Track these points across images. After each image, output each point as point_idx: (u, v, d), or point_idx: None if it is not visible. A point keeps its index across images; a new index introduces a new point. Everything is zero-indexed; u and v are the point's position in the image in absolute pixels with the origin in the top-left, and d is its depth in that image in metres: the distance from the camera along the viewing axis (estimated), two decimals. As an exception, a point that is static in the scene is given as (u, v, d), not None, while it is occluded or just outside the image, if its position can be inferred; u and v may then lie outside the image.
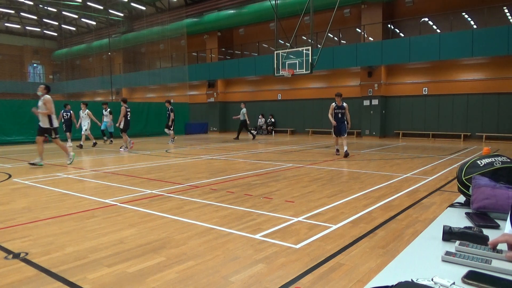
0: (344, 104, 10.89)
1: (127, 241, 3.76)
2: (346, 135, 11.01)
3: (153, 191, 6.21)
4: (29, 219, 4.62)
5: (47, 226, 4.33)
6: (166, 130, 17.50)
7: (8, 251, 3.50)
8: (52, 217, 4.68)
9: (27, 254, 3.43)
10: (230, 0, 25.84)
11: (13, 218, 4.66)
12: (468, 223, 1.49)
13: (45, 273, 3.02)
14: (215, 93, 27.11)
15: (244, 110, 18.83)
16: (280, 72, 16.46)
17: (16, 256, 3.38)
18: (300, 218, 4.54)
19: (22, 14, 35.34)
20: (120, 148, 13.79)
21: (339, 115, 10.86)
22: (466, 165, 1.80)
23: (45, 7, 33.53)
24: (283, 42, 19.58)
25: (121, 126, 13.78)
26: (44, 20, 37.56)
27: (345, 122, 10.91)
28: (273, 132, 24.32)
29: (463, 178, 1.76)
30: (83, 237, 3.91)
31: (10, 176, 8.01)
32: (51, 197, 5.89)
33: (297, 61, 15.98)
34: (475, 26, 18.50)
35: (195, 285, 2.78)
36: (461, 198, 1.86)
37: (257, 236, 3.86)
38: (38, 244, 3.71)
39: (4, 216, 4.75)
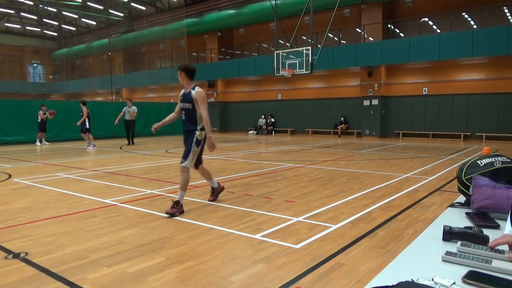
0: (195, 90, 5.00)
1: (127, 241, 3.76)
2: (193, 163, 5.15)
3: (153, 191, 6.21)
4: (29, 219, 4.62)
5: (47, 226, 4.33)
6: None
7: (8, 251, 3.50)
8: (52, 217, 4.68)
9: (27, 254, 3.43)
10: (230, 0, 25.83)
11: (13, 218, 4.66)
12: (468, 223, 1.49)
13: (45, 273, 3.02)
14: (215, 93, 27.11)
15: (134, 108, 16.06)
16: (280, 72, 16.47)
17: (16, 256, 3.38)
18: (300, 218, 4.54)
19: (22, 14, 35.32)
20: (87, 146, 14.54)
21: (183, 115, 5.14)
22: (466, 165, 1.80)
23: (45, 7, 33.53)
24: (283, 42, 19.58)
25: (87, 126, 14.52)
26: (44, 20, 37.56)
27: (197, 129, 5.03)
28: (273, 132, 24.33)
29: (463, 178, 1.76)
30: (83, 237, 3.91)
31: (10, 176, 8.01)
32: (51, 197, 5.89)
33: (297, 61, 15.99)
34: (475, 26, 18.50)
35: (195, 285, 2.78)
36: (461, 198, 1.86)
37: (257, 236, 3.86)
38: (38, 244, 3.71)
39: (4, 216, 4.75)
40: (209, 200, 5.54)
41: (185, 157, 5.02)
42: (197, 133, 5.01)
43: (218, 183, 5.67)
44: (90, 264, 3.20)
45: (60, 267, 3.13)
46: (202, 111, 4.97)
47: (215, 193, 5.63)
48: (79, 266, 3.16)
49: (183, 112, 5.11)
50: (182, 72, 5.06)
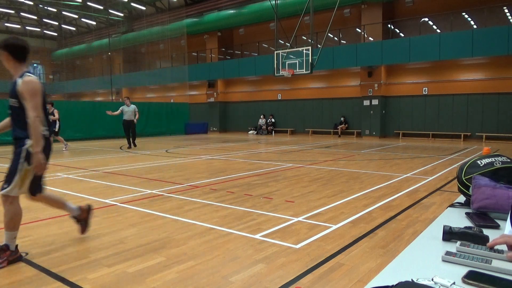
0: (22, 79, 3.23)
1: (127, 241, 3.76)
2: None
3: (153, 191, 6.21)
4: (30, 219, 4.62)
5: (47, 226, 4.34)
6: None
7: (8, 251, 3.50)
8: (52, 217, 4.68)
9: (27, 254, 3.43)
10: (230, 0, 25.83)
11: (13, 218, 4.65)
12: (468, 223, 1.49)
13: (45, 273, 3.02)
14: (215, 93, 27.12)
15: (134, 107, 14.48)
16: (280, 72, 16.47)
17: (16, 256, 3.38)
18: (300, 218, 4.54)
19: (22, 14, 35.33)
20: (64, 148, 13.95)
21: (10, 115, 3.39)
22: (466, 165, 1.80)
23: (45, 7, 33.53)
24: (283, 42, 19.59)
25: (56, 129, 13.45)
26: (44, 20, 37.56)
27: (28, 137, 3.25)
28: (273, 132, 24.33)
29: (463, 178, 1.76)
30: (83, 237, 3.91)
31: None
32: (51, 197, 5.88)
33: (297, 61, 15.99)
34: (475, 26, 18.51)
35: (195, 285, 2.78)
36: (461, 198, 1.86)
37: (257, 236, 3.87)
38: (38, 244, 3.71)
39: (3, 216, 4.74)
40: (81, 232, 3.92)
41: (7, 181, 3.24)
42: (28, 143, 3.24)
43: (80, 207, 3.88)
44: (90, 264, 3.20)
45: (60, 267, 3.13)
46: (29, 111, 3.17)
47: (82, 220, 3.89)
48: (79, 266, 3.16)
49: (9, 111, 3.36)
50: (3, 51, 3.28)
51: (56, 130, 13.60)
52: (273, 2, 17.03)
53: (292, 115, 24.06)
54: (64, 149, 13.96)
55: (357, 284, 2.78)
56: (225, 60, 26.74)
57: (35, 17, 37.03)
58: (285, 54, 16.34)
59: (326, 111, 22.58)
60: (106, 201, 5.55)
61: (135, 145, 14.72)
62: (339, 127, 21.47)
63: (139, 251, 3.48)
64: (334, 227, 4.19)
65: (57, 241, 3.79)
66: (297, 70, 16.01)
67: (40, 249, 3.55)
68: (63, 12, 34.00)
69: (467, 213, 1.61)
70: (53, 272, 3.03)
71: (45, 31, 40.88)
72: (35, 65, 42.28)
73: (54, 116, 13.37)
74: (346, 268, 3.07)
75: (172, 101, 28.39)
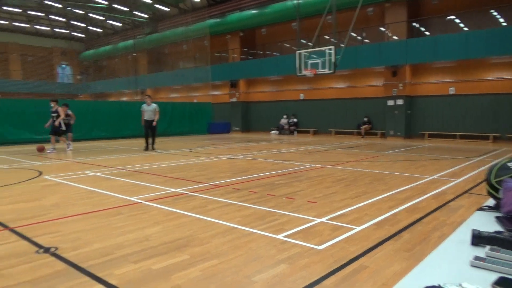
0: None
1: (152, 239, 3.84)
2: None
3: (177, 190, 6.31)
4: (58, 215, 4.77)
5: (75, 222, 4.47)
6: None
7: (39, 246, 3.64)
8: (80, 214, 4.83)
9: (56, 249, 3.55)
10: (253, 0, 25.89)
11: (44, 214, 4.83)
12: (498, 228, 1.46)
13: (74, 268, 3.13)
14: (237, 93, 27.24)
15: (155, 106, 13.57)
16: (302, 72, 16.39)
17: (46, 250, 3.51)
18: (323, 219, 4.52)
19: (51, 16, 36.48)
20: (68, 147, 13.89)
21: None
22: (496, 167, 1.75)
23: (73, 10, 34.51)
24: (305, 41, 19.49)
25: (63, 128, 13.39)
26: (71, 22, 38.67)
27: None
28: (296, 132, 24.24)
29: (493, 181, 1.72)
30: (109, 233, 4.02)
31: (40, 173, 8.29)
32: (79, 194, 6.07)
33: (320, 61, 15.87)
34: (504, 24, 17.89)
35: (218, 284, 2.82)
36: (491, 202, 1.82)
37: (280, 236, 3.87)
38: (67, 239, 3.83)
39: (35, 212, 4.93)
40: None
41: None
42: None
43: None
44: (116, 260, 3.28)
45: (88, 262, 3.23)
46: None
47: None
48: (106, 261, 3.25)
49: None
50: None
51: (63, 129, 13.40)
52: (295, 1, 16.95)
53: (315, 115, 23.90)
54: (69, 147, 13.89)
55: (381, 287, 2.75)
56: (247, 60, 26.82)
57: (63, 19, 38.16)
58: (308, 54, 16.25)
59: (349, 111, 22.32)
60: (132, 199, 5.68)
61: (153, 148, 13.65)
62: (363, 127, 21.18)
63: (164, 249, 3.55)
64: (358, 228, 4.15)
65: (84, 237, 3.91)
66: (320, 70, 15.89)
67: (68, 244, 3.67)
68: (90, 14, 34.91)
69: (497, 217, 1.57)
70: (81, 267, 3.13)
71: (72, 33, 42.07)
72: (63, 66, 43.61)
73: (60, 115, 13.04)
74: (371, 270, 3.04)
75: (195, 101, 28.71)
